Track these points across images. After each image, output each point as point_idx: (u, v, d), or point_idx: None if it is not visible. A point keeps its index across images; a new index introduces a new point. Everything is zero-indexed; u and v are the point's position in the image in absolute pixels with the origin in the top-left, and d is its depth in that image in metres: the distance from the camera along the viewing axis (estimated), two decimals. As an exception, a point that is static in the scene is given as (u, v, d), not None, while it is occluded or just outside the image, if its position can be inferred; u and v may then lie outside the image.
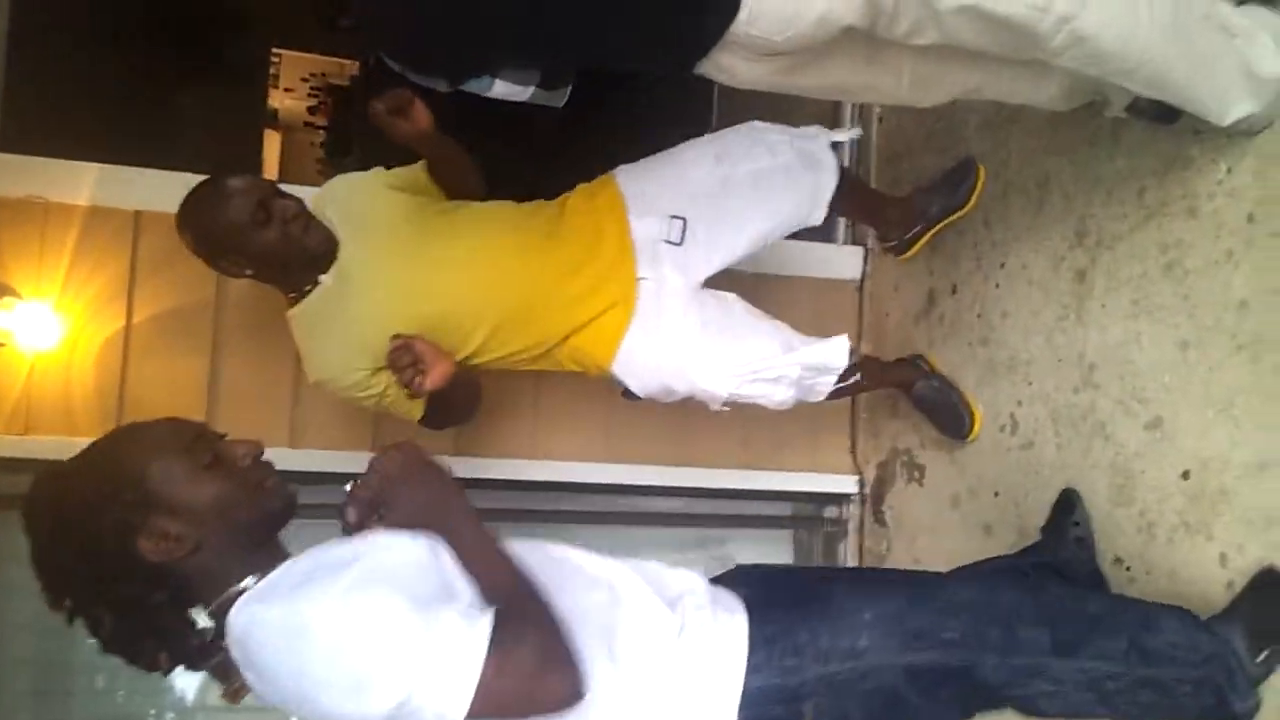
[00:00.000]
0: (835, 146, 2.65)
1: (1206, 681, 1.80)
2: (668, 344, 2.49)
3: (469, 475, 3.03)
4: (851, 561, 3.40)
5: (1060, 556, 2.38)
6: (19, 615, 2.95)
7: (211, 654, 1.43)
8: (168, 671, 1.47)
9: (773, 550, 3.57)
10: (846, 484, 3.39)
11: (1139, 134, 2.30)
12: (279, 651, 1.30)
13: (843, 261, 3.40)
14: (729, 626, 1.59)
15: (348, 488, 1.46)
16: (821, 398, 2.66)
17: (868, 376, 2.88)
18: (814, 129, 2.65)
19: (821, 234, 3.05)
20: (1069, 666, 1.70)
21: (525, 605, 1.37)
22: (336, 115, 7.90)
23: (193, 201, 2.31)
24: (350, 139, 6.85)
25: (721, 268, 2.58)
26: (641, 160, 2.62)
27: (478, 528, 1.46)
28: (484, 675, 1.26)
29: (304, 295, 2.37)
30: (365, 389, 2.38)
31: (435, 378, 2.26)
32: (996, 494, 2.72)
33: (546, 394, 3.12)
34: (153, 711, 3.21)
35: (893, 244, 3.05)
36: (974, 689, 1.68)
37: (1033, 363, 2.62)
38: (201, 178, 2.35)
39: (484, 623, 1.29)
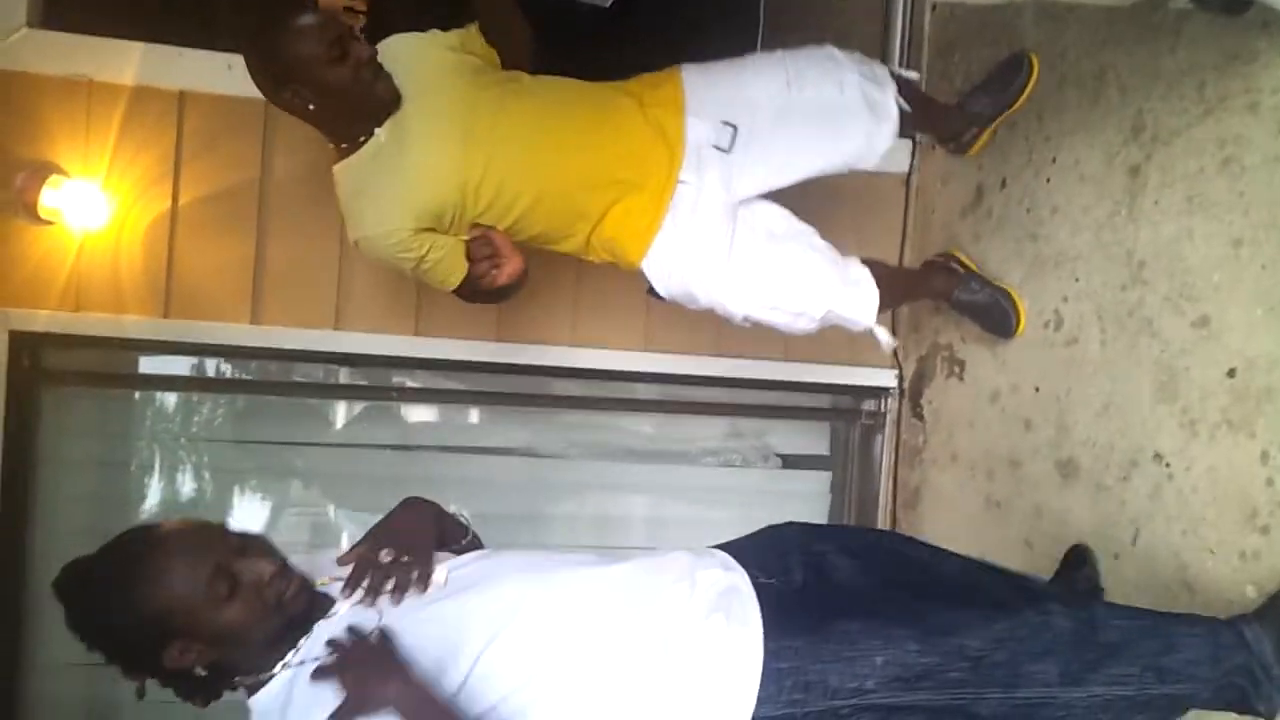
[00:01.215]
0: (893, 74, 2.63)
1: (1228, 686, 1.83)
2: (695, 254, 2.48)
3: (509, 361, 3.08)
4: (888, 455, 3.43)
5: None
6: (74, 488, 3.03)
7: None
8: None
9: (810, 442, 3.59)
10: (885, 378, 3.40)
11: (1202, 26, 2.23)
12: None
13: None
14: (743, 652, 1.65)
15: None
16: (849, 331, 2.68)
17: (903, 297, 2.89)
18: (883, 71, 2.62)
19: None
20: (1078, 694, 1.72)
21: None
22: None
23: (267, 26, 2.22)
24: (390, 23, 6.74)
25: (764, 190, 2.54)
26: (709, 62, 2.56)
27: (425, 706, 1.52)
28: None
29: (356, 148, 2.33)
30: (406, 250, 2.32)
31: (510, 271, 2.29)
32: (1037, 389, 2.72)
33: (587, 282, 3.13)
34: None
35: (951, 147, 3.01)
36: None
37: (1080, 259, 2.59)
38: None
39: None
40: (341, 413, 3.35)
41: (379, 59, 2.31)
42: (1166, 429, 2.29)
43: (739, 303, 2.55)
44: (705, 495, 3.52)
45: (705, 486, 3.53)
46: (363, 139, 2.33)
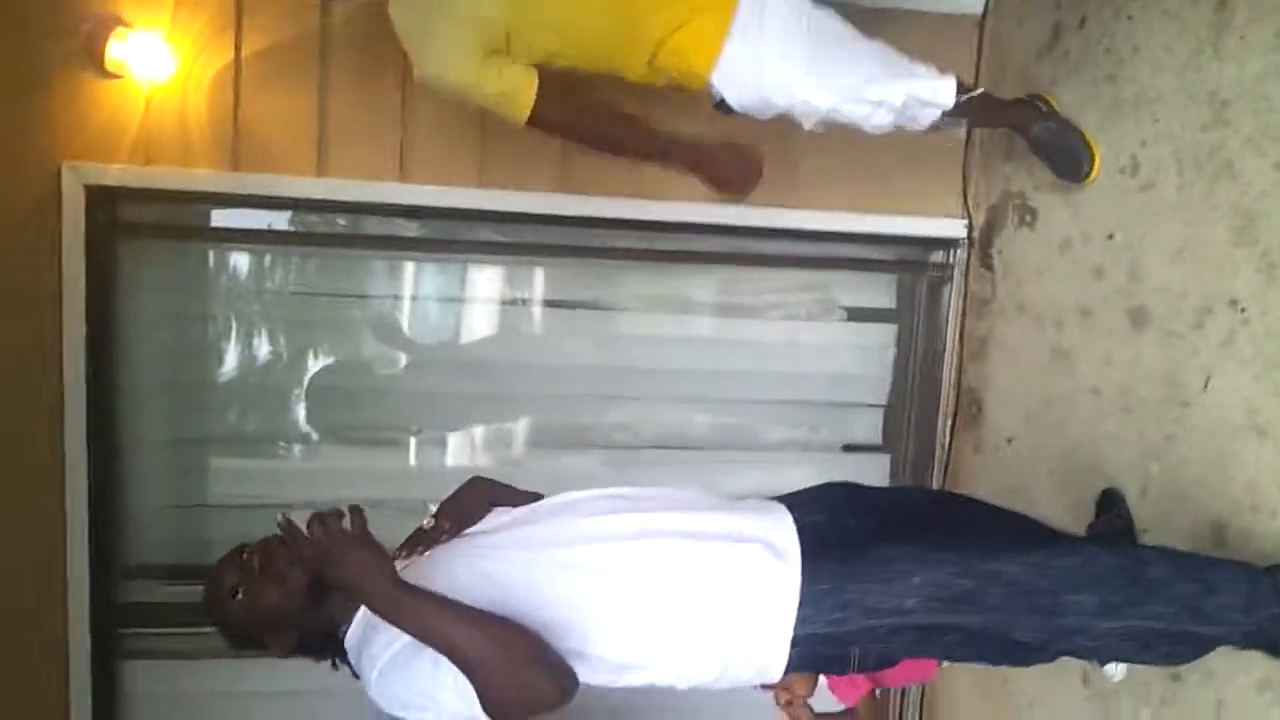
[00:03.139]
0: None
1: (1258, 632, 1.86)
2: (770, 54, 2.41)
3: (576, 213, 3.07)
4: (955, 306, 3.39)
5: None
6: (155, 342, 3.11)
7: None
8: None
9: (876, 295, 3.56)
10: (954, 228, 3.34)
11: None
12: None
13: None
14: (781, 579, 1.74)
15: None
16: (921, 128, 2.61)
17: (981, 116, 2.79)
18: None
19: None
20: (1113, 625, 1.78)
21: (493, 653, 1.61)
22: None
23: None
24: None
25: None
26: None
27: (413, 604, 1.64)
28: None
29: None
30: (474, 82, 2.27)
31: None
32: (1111, 236, 2.66)
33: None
34: (282, 443, 3.38)
35: None
36: (1012, 645, 1.79)
37: (1160, 100, 2.49)
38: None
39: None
40: (410, 267, 3.38)
41: None
42: (1243, 274, 2.24)
43: (821, 97, 2.47)
44: (768, 349, 3.52)
45: (768, 340, 3.53)
46: None
